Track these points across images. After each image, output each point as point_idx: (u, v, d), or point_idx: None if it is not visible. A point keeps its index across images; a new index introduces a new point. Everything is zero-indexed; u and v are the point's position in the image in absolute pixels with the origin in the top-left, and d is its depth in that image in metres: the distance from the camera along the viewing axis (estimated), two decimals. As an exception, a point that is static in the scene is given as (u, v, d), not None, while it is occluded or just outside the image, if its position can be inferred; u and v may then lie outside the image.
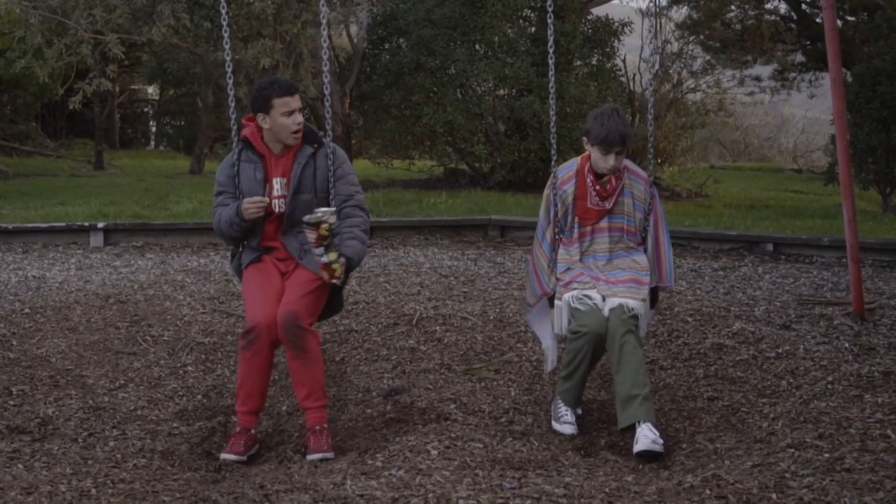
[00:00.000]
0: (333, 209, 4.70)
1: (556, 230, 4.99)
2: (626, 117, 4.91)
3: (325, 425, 4.70)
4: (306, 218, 4.56)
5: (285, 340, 4.65)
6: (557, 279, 4.93)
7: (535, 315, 5.19)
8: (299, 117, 4.83)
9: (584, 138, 4.86)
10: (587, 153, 4.92)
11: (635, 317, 4.70)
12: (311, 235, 4.56)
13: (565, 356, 4.92)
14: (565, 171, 4.98)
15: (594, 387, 5.45)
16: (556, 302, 4.88)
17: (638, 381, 4.57)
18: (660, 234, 4.95)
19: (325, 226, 4.54)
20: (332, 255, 4.61)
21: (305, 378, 4.67)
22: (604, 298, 4.76)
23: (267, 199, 4.79)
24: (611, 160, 4.77)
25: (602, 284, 4.80)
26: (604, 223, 4.89)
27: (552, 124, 5.12)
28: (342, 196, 4.90)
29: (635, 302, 4.73)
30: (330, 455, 4.53)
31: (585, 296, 4.76)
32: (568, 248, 4.96)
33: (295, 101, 4.81)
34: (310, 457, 4.53)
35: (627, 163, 4.94)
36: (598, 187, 4.84)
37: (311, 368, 4.67)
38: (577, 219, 4.92)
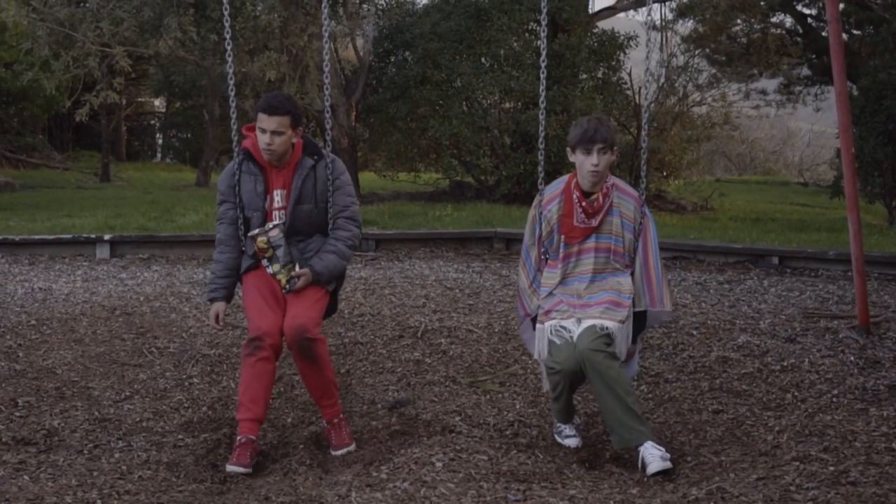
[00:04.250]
0: (273, 224, 4.92)
1: (542, 251, 4.88)
2: (609, 123, 4.81)
3: (342, 415, 4.97)
4: (249, 233, 4.92)
5: (296, 353, 4.76)
6: (539, 304, 4.83)
7: (525, 329, 5.14)
8: (269, 138, 4.78)
9: (568, 150, 4.75)
10: (573, 171, 4.83)
11: (608, 335, 4.57)
12: (254, 248, 4.91)
13: (549, 383, 4.87)
14: (551, 190, 4.86)
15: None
16: (538, 325, 4.79)
17: (621, 404, 4.48)
18: (649, 257, 4.77)
19: (261, 239, 4.88)
20: (276, 267, 4.91)
21: (318, 381, 4.87)
22: (579, 321, 4.65)
23: (219, 326, 5.04)
24: (593, 158, 4.62)
25: (579, 311, 4.68)
26: (590, 243, 4.75)
27: (541, 140, 5.02)
28: (338, 206, 5.01)
29: (611, 322, 4.60)
30: (352, 447, 4.81)
31: (562, 327, 4.66)
32: (552, 270, 4.83)
33: (269, 122, 4.76)
34: (335, 452, 4.78)
35: (617, 181, 4.81)
36: (584, 204, 4.70)
37: (322, 371, 4.85)
38: (562, 238, 4.78)
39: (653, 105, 17.32)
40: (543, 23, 5.19)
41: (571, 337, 4.62)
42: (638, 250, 4.78)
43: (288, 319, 4.74)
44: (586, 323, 4.62)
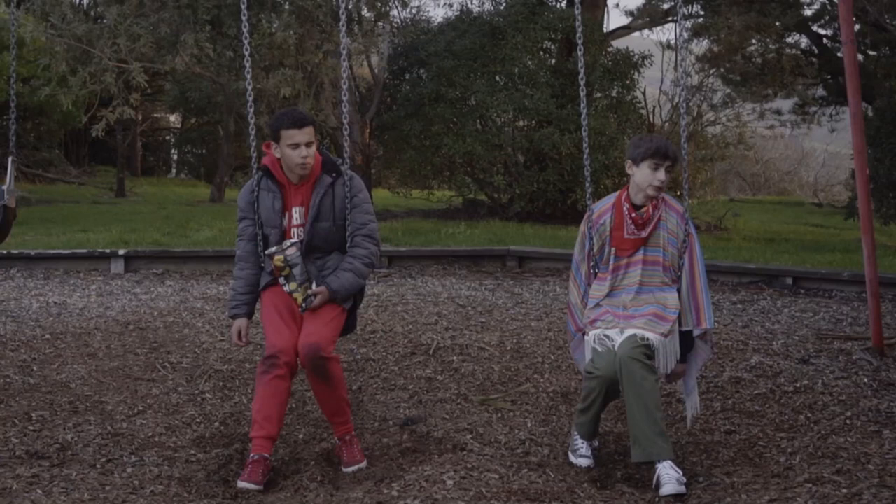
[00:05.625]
0: (290, 242, 4.90)
1: (592, 265, 4.92)
2: None
3: (353, 433, 4.96)
4: (266, 251, 4.91)
5: (309, 371, 4.76)
6: (587, 315, 4.88)
7: (576, 347, 5.14)
8: (305, 151, 4.80)
9: (629, 161, 4.78)
10: (624, 187, 4.90)
11: (648, 346, 4.61)
12: (271, 266, 4.90)
13: (581, 392, 4.89)
14: (602, 205, 4.93)
15: (610, 419, 5.44)
16: (585, 338, 4.85)
17: (649, 417, 4.50)
18: (696, 274, 4.80)
19: (278, 257, 4.84)
20: (292, 286, 4.87)
21: (331, 399, 4.87)
22: (622, 331, 4.70)
23: (242, 343, 5.04)
24: (661, 174, 4.68)
25: (623, 321, 4.72)
26: (639, 255, 4.79)
27: (585, 157, 5.08)
28: (356, 224, 5.00)
29: (652, 334, 4.64)
30: (363, 464, 4.80)
31: (605, 336, 4.70)
32: (601, 283, 4.87)
33: (302, 135, 4.78)
34: (346, 469, 4.78)
35: (665, 195, 4.86)
36: (633, 215, 4.76)
37: (335, 390, 4.85)
38: (613, 250, 4.83)
39: (667, 124, 17.34)
40: (579, 42, 5.25)
41: (613, 345, 4.65)
42: (684, 267, 4.81)
43: (302, 338, 4.74)
44: (628, 332, 4.66)
